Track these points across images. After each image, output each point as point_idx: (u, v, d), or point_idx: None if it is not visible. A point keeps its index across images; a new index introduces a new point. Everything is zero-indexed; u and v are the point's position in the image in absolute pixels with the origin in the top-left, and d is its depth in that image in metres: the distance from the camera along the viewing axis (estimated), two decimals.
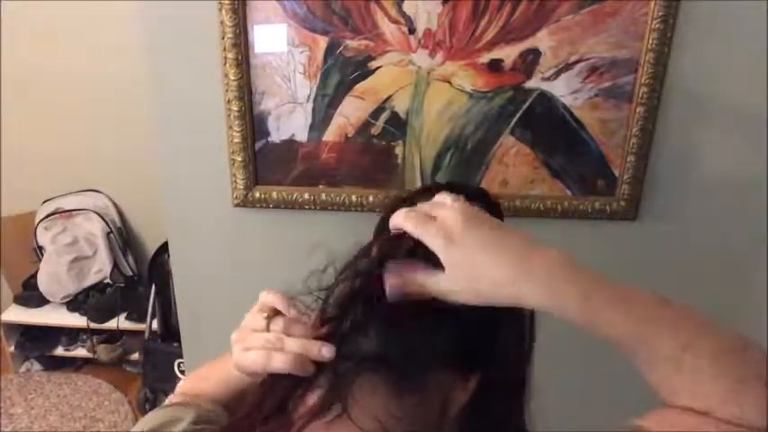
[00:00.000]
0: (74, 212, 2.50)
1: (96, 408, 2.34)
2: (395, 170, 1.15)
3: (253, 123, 1.16)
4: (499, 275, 0.44)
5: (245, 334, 0.51)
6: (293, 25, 1.09)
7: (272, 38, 1.10)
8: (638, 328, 0.43)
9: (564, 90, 1.07)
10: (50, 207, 2.51)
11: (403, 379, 0.47)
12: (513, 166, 1.14)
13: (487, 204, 0.57)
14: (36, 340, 2.55)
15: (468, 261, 0.44)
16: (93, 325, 2.43)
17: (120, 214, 2.59)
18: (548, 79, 1.07)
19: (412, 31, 1.07)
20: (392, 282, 0.47)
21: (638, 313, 0.43)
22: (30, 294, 2.51)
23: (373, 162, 1.15)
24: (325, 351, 0.46)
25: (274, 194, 1.20)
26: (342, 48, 1.09)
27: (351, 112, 1.13)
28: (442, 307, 0.46)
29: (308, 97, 1.13)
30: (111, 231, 2.51)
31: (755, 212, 1.12)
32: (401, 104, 1.12)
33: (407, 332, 0.47)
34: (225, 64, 1.11)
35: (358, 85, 1.11)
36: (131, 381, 2.49)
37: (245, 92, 1.13)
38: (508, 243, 0.45)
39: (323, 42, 1.09)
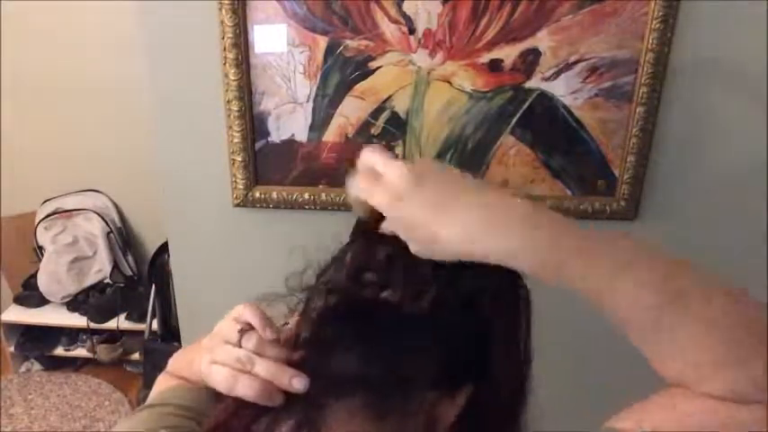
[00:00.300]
0: (74, 212, 2.50)
1: (96, 408, 2.34)
2: None
3: (253, 123, 1.16)
4: (448, 234, 0.40)
5: (215, 343, 0.48)
6: (293, 25, 1.09)
7: (272, 38, 1.10)
8: (609, 279, 0.39)
9: (564, 90, 1.07)
10: (50, 207, 2.51)
11: (383, 400, 0.43)
12: (513, 166, 1.14)
13: None
14: (36, 340, 2.54)
15: (412, 219, 0.41)
16: (93, 325, 2.42)
17: (120, 214, 2.59)
18: (548, 79, 1.07)
19: (412, 31, 1.07)
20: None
21: (607, 262, 0.39)
22: (30, 294, 2.51)
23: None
24: (296, 382, 0.43)
25: (274, 194, 1.20)
26: (342, 48, 1.09)
27: (351, 112, 1.13)
28: (425, 323, 0.43)
29: (308, 97, 1.13)
30: (111, 231, 2.51)
31: (755, 212, 1.12)
32: (401, 104, 1.12)
33: (387, 351, 0.43)
34: (225, 64, 1.11)
35: (358, 85, 1.11)
36: (131, 381, 2.49)
37: (245, 92, 1.13)
38: (458, 200, 0.41)
39: (323, 42, 1.09)
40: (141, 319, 2.39)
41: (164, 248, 2.24)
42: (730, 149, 1.09)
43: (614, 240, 0.41)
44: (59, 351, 2.55)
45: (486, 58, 1.07)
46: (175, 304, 1.40)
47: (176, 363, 0.66)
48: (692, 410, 0.39)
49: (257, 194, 1.20)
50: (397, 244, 0.43)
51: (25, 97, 2.44)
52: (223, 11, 1.07)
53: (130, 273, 2.56)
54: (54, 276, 2.46)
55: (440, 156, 1.14)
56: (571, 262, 0.39)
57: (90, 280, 2.50)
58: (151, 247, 2.52)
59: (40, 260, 2.48)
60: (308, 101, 1.14)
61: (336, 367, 0.43)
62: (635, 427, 0.40)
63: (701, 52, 1.03)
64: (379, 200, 0.43)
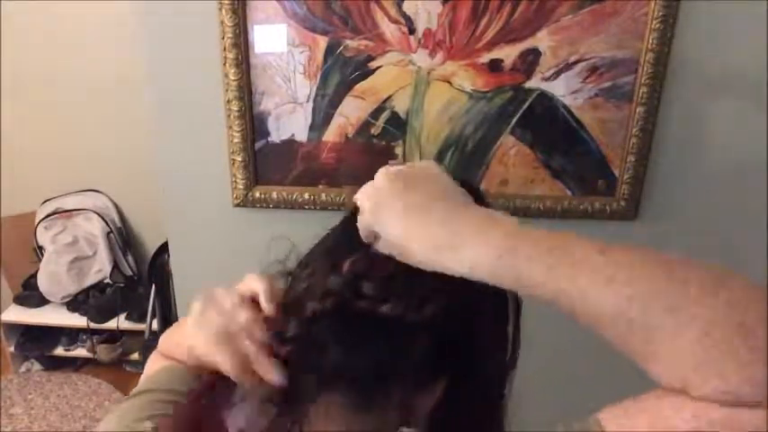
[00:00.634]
0: (74, 212, 2.50)
1: (96, 408, 2.34)
2: None
3: (253, 123, 1.16)
4: (418, 247, 0.41)
5: (207, 307, 0.47)
6: (293, 25, 1.09)
7: (272, 38, 1.10)
8: (569, 284, 0.36)
9: (564, 90, 1.07)
10: (50, 207, 2.51)
11: (365, 396, 0.43)
12: (513, 166, 1.14)
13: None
14: (36, 340, 2.54)
15: (388, 229, 0.42)
16: (93, 325, 2.42)
17: (120, 214, 2.59)
18: (548, 79, 1.07)
19: (412, 31, 1.07)
20: None
21: (565, 268, 0.37)
22: (30, 294, 2.51)
23: (373, 162, 1.15)
24: (275, 377, 0.42)
25: (274, 194, 1.20)
26: (342, 48, 1.09)
27: (351, 112, 1.13)
28: (405, 317, 0.42)
29: (308, 97, 1.13)
30: (111, 231, 2.51)
31: (755, 212, 1.12)
32: (401, 104, 1.12)
33: (370, 348, 0.42)
34: (225, 64, 1.11)
35: (358, 85, 1.11)
36: (131, 381, 2.49)
37: (245, 92, 1.13)
38: (427, 214, 0.41)
39: (323, 42, 1.09)
40: (141, 319, 2.39)
41: (164, 248, 2.24)
42: (730, 149, 1.09)
43: (567, 238, 0.39)
44: (59, 351, 2.55)
45: (486, 58, 1.07)
46: (175, 304, 1.40)
47: (165, 342, 0.65)
48: (687, 414, 0.36)
49: (257, 194, 1.20)
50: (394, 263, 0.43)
51: (25, 97, 2.44)
52: (223, 11, 1.07)
53: (130, 273, 2.56)
54: (54, 276, 2.46)
55: (440, 155, 1.14)
56: (528, 270, 0.38)
57: (90, 280, 2.50)
58: (151, 247, 2.52)
59: (40, 260, 2.47)
60: (308, 101, 1.14)
61: (319, 363, 0.43)
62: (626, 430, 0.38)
63: (701, 52, 1.03)
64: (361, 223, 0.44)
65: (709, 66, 1.04)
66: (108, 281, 2.49)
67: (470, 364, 0.45)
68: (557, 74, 1.07)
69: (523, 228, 0.40)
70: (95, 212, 2.50)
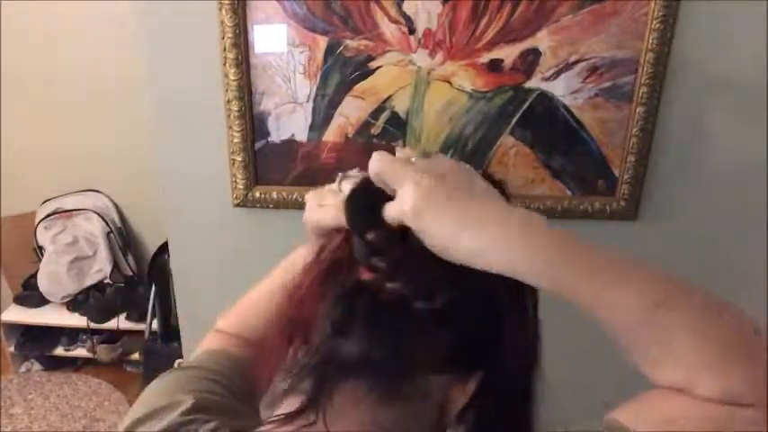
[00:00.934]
0: (74, 212, 2.50)
1: (96, 408, 2.34)
2: None
3: (253, 123, 1.16)
4: (465, 249, 0.41)
5: (322, 193, 0.52)
6: (293, 25, 1.09)
7: (272, 38, 1.10)
8: (606, 293, 0.41)
9: (564, 90, 1.07)
10: (50, 207, 2.51)
11: (392, 385, 0.43)
12: (513, 166, 1.14)
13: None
14: (36, 340, 2.54)
15: (434, 230, 0.42)
16: (93, 325, 2.42)
17: (120, 214, 2.59)
18: (548, 79, 1.07)
19: (412, 31, 1.07)
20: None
21: (603, 277, 0.41)
22: (30, 294, 2.51)
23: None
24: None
25: (274, 194, 1.20)
26: (342, 48, 1.09)
27: (351, 112, 1.13)
28: (433, 304, 0.43)
29: (308, 97, 1.13)
30: (111, 231, 2.51)
31: (755, 212, 1.12)
32: (401, 104, 1.12)
33: (396, 333, 0.42)
34: (225, 64, 1.11)
35: (358, 85, 1.11)
36: (131, 381, 2.49)
37: (245, 92, 1.13)
38: (468, 214, 0.42)
39: (323, 42, 1.09)
40: (141, 319, 2.39)
41: (164, 248, 2.24)
42: (730, 149, 1.09)
43: (606, 255, 0.43)
44: (59, 351, 2.55)
45: (486, 58, 1.07)
46: (175, 304, 1.40)
47: (243, 306, 0.69)
48: (686, 414, 0.40)
49: (257, 194, 1.20)
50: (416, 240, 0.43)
51: (25, 97, 2.44)
52: (223, 11, 1.07)
53: (130, 273, 2.56)
54: (54, 276, 2.46)
55: None
56: (564, 278, 0.41)
57: (90, 280, 2.50)
58: (151, 247, 2.52)
59: (40, 260, 2.48)
60: (308, 101, 1.14)
61: (343, 348, 0.42)
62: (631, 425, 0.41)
63: (701, 52, 1.03)
64: (394, 216, 0.44)
65: (710, 66, 1.04)
66: (108, 281, 2.50)
67: (500, 360, 0.45)
68: (557, 74, 1.07)
69: (553, 228, 0.43)
70: (95, 212, 2.50)
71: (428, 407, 0.45)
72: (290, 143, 1.17)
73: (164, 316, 2.31)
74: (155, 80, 1.18)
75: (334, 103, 1.13)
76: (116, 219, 2.57)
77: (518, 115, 1.10)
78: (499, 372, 0.46)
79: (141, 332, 2.38)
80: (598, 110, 1.08)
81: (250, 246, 1.27)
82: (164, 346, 2.27)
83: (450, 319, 0.43)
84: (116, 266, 2.52)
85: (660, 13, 1.00)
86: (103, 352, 2.48)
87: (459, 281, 0.43)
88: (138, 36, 1.16)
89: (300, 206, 1.19)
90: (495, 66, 1.07)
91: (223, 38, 1.09)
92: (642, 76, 1.04)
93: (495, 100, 1.10)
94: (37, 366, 2.59)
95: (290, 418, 0.43)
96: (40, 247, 2.49)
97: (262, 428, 0.46)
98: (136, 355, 2.51)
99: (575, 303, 0.41)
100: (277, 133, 1.17)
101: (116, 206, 2.58)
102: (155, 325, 2.32)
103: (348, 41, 1.09)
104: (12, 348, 2.54)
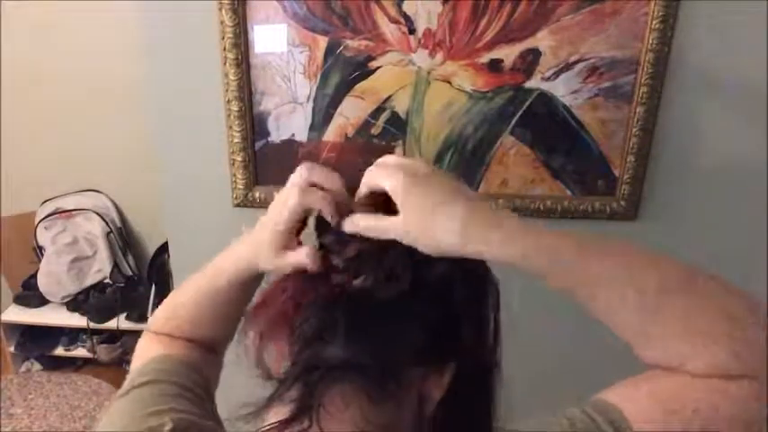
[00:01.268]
0: (74, 212, 2.50)
1: (96, 408, 2.33)
2: None
3: (253, 123, 1.16)
4: (442, 236, 0.44)
5: (318, 172, 0.54)
6: (293, 25, 1.09)
7: (272, 38, 1.10)
8: (576, 276, 0.43)
9: (564, 90, 1.07)
10: (50, 207, 2.51)
11: (378, 384, 0.44)
12: (513, 166, 1.14)
13: None
14: (36, 340, 2.54)
15: (407, 221, 0.45)
16: (93, 325, 2.42)
17: (120, 214, 2.59)
18: (548, 79, 1.07)
19: (412, 31, 1.07)
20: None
21: (569, 260, 0.43)
22: (30, 294, 2.51)
23: (373, 162, 1.15)
24: (311, 264, 0.47)
25: (274, 194, 1.19)
26: (342, 48, 1.09)
27: (351, 112, 1.13)
28: (402, 304, 0.44)
29: (308, 97, 1.13)
30: (111, 231, 2.51)
31: (755, 212, 1.12)
32: (401, 104, 1.12)
33: (374, 331, 0.44)
34: (225, 64, 1.11)
35: (358, 85, 1.11)
36: None
37: (245, 92, 1.13)
38: (448, 205, 0.44)
39: (323, 42, 1.09)
40: (141, 319, 2.39)
41: (164, 248, 2.24)
42: (730, 149, 1.09)
43: (596, 241, 0.44)
44: (59, 351, 2.55)
45: (485, 58, 1.07)
46: None
47: (163, 317, 0.67)
48: (677, 391, 0.41)
49: (257, 194, 1.20)
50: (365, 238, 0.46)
51: (25, 97, 2.44)
52: (223, 11, 1.07)
53: (130, 273, 2.56)
54: (54, 276, 2.46)
55: (440, 155, 1.14)
56: (536, 260, 0.43)
57: (90, 280, 2.50)
58: (151, 247, 2.52)
59: (40, 260, 2.47)
60: (308, 101, 1.14)
61: (326, 354, 0.43)
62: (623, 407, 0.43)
63: (701, 52, 1.03)
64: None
65: (710, 66, 1.04)
66: (108, 281, 2.49)
67: (468, 349, 0.47)
68: (557, 74, 1.07)
69: (524, 227, 0.45)
70: (95, 212, 2.49)
71: (410, 402, 0.46)
72: (290, 143, 1.17)
73: None
74: (155, 80, 1.17)
75: (334, 103, 1.13)
76: (116, 219, 2.56)
77: (518, 115, 1.10)
78: (468, 363, 0.47)
79: (141, 332, 2.38)
80: (598, 110, 1.08)
81: None
82: None
83: (419, 301, 0.45)
84: (116, 266, 2.52)
85: (660, 13, 1.00)
86: (103, 352, 2.48)
87: (419, 265, 0.45)
88: (138, 36, 1.16)
89: None
90: (495, 66, 1.07)
91: (223, 38, 1.09)
92: (642, 76, 1.04)
93: (496, 100, 1.10)
94: (37, 366, 2.59)
95: (284, 424, 0.43)
96: (40, 247, 2.49)
97: None
98: None
99: (553, 287, 0.43)
100: (277, 133, 1.17)
101: (116, 206, 2.58)
102: (144, 327, 2.32)
103: (348, 41, 1.09)
104: (12, 348, 2.53)
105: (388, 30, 1.07)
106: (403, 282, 0.44)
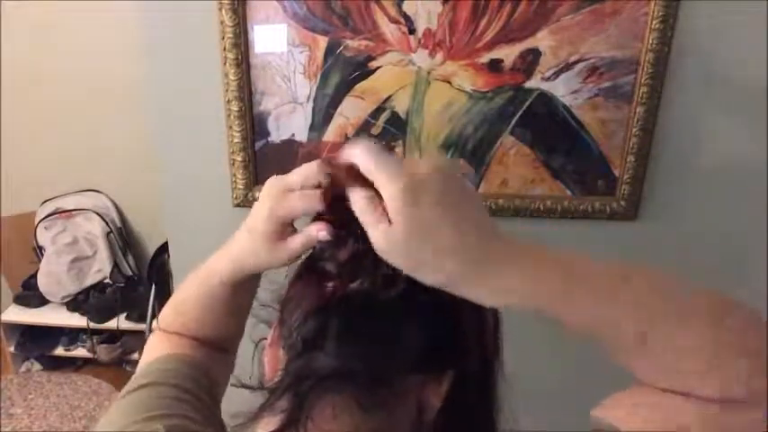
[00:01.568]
0: (74, 212, 2.50)
1: (96, 408, 2.33)
2: None
3: (253, 123, 1.16)
4: (440, 277, 0.40)
5: (287, 179, 0.47)
6: (293, 25, 1.09)
7: (272, 38, 1.10)
8: (593, 317, 0.40)
9: (564, 90, 1.07)
10: (50, 207, 2.51)
11: (370, 393, 0.43)
12: (513, 166, 1.14)
13: None
14: (36, 340, 2.54)
15: (397, 243, 0.39)
16: (93, 325, 2.42)
17: (120, 214, 2.59)
18: (548, 79, 1.07)
19: (412, 31, 1.07)
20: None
21: (590, 300, 0.40)
22: (30, 294, 2.51)
23: None
24: (321, 234, 0.43)
25: None
26: (342, 48, 1.09)
27: (351, 112, 1.13)
28: (395, 309, 0.42)
29: (308, 97, 1.13)
30: (111, 231, 2.51)
31: (755, 212, 1.12)
32: (401, 104, 1.12)
33: (368, 338, 0.43)
34: (225, 64, 1.11)
35: (358, 85, 1.11)
36: None
37: (245, 92, 1.13)
38: (446, 238, 0.39)
39: (323, 42, 1.09)
40: (141, 319, 2.39)
41: (164, 248, 2.24)
42: (730, 149, 1.09)
43: (593, 271, 0.41)
44: (59, 351, 2.55)
45: (485, 58, 1.07)
46: None
47: (170, 315, 0.65)
48: (679, 413, 0.40)
49: (257, 194, 1.20)
50: (360, 239, 0.42)
51: (25, 97, 2.44)
52: (223, 11, 1.07)
53: (130, 273, 2.56)
54: (54, 276, 2.46)
55: (440, 156, 1.14)
56: (554, 304, 0.40)
57: (90, 280, 2.50)
58: (151, 247, 2.52)
59: (40, 260, 2.47)
60: (308, 101, 1.14)
61: (317, 363, 0.42)
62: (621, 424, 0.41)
63: (701, 52, 1.03)
64: (374, 232, 0.40)
65: (710, 66, 1.04)
66: (108, 281, 2.50)
67: (467, 357, 0.46)
68: (557, 74, 1.07)
69: (552, 254, 0.41)
70: (95, 212, 2.50)
71: (407, 410, 0.45)
72: (290, 143, 1.17)
73: None
74: (155, 80, 1.17)
75: (334, 103, 1.13)
76: (116, 219, 2.57)
77: (518, 115, 1.10)
78: (467, 371, 0.46)
79: (141, 332, 2.38)
80: (598, 110, 1.08)
81: None
82: None
83: (416, 306, 0.43)
84: (116, 266, 2.52)
85: (660, 13, 1.00)
86: (103, 352, 2.48)
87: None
88: (138, 36, 1.16)
89: None
90: (495, 66, 1.07)
91: (223, 38, 1.09)
92: (642, 76, 1.04)
93: (496, 100, 1.10)
94: (37, 366, 2.59)
95: None
96: (40, 247, 2.49)
97: None
98: (136, 355, 2.51)
99: (565, 327, 0.40)
100: (277, 133, 1.17)
101: (116, 206, 2.58)
102: (155, 325, 2.32)
103: (348, 41, 1.09)
104: (12, 348, 2.53)
105: (388, 30, 1.07)
106: (400, 285, 0.42)
